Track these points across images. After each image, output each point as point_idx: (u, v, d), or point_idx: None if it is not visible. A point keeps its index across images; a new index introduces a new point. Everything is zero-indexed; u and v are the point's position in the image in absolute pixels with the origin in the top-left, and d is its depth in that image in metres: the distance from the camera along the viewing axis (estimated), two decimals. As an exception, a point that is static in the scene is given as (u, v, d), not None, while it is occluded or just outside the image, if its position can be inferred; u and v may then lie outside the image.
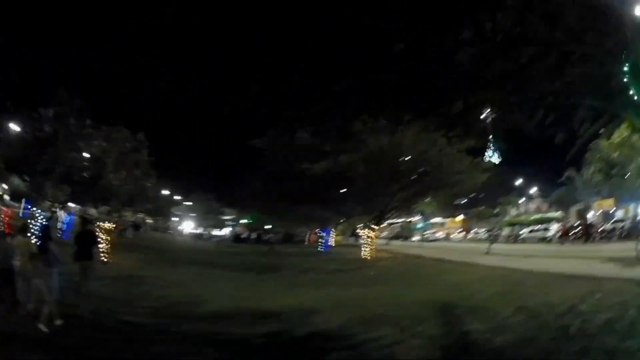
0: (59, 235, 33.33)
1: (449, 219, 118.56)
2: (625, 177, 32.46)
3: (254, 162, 55.57)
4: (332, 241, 73.99)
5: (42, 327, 12.35)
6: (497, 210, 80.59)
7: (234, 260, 43.98)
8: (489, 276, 25.47)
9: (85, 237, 16.75)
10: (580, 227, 58.79)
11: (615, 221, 58.30)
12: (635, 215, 48.03)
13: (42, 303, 12.86)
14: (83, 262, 16.02)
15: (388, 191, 47.73)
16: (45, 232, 15.86)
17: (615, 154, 30.19)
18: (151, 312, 16.19)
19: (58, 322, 12.82)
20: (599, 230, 55.61)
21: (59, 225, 37.62)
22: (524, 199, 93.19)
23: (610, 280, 19.03)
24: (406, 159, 44.08)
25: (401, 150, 43.24)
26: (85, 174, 31.40)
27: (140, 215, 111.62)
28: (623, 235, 48.41)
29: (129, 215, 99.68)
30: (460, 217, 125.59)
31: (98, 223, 32.48)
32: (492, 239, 52.55)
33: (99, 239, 18.95)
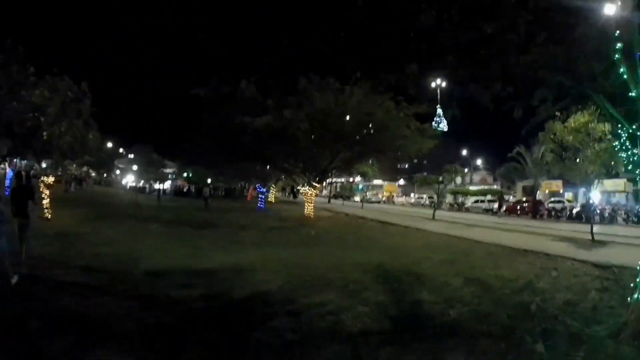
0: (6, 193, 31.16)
1: (387, 182, 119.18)
2: (577, 161, 32.23)
3: (195, 115, 53.56)
4: (271, 197, 76.30)
5: None
6: (441, 177, 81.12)
7: (173, 215, 43.40)
8: (435, 243, 25.27)
9: (20, 193, 15.53)
10: (527, 203, 61.09)
11: (558, 201, 61.60)
12: (588, 200, 48.08)
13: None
14: (19, 220, 14.88)
15: (331, 150, 47.08)
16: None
17: (570, 138, 29.85)
18: (85, 273, 15.20)
19: (13, 280, 12.83)
20: (546, 208, 57.89)
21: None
22: (467, 169, 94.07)
23: (565, 259, 18.89)
24: (351, 118, 43.05)
25: (347, 109, 42.24)
26: (27, 125, 29.90)
27: (85, 169, 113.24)
28: (573, 216, 50.89)
29: (74, 169, 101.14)
30: (400, 182, 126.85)
31: (41, 178, 31.80)
32: (436, 205, 53.50)
33: (35, 195, 16.27)
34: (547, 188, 71.23)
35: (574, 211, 52.60)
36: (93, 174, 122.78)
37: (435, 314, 11.18)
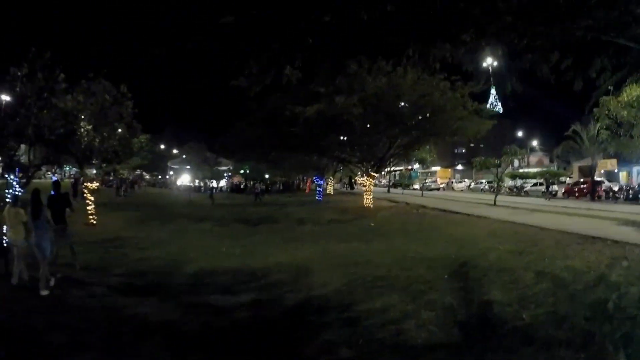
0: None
1: (440, 168, 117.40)
2: (633, 138, 30.96)
3: (244, 107, 52.40)
4: (329, 189, 75.71)
5: (43, 292, 12.63)
6: (498, 161, 79.17)
7: (227, 212, 42.19)
8: (500, 231, 23.53)
9: (56, 201, 15.68)
10: (586, 185, 58.88)
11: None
12: None
13: (39, 268, 12.98)
14: (58, 227, 14.91)
15: (388, 136, 45.48)
16: (36, 197, 14.01)
17: (624, 113, 28.64)
18: (123, 282, 14.62)
19: (52, 282, 13.24)
20: (604, 189, 56.04)
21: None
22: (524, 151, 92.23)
23: (635, 246, 17.17)
24: (406, 102, 41.76)
25: (401, 92, 40.62)
26: (60, 131, 29.45)
27: (137, 172, 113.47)
28: (630, 197, 48.90)
29: (126, 173, 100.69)
30: (458, 167, 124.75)
31: (84, 184, 31.71)
32: (496, 190, 51.20)
33: (71, 202, 16.85)
34: (602, 167, 68.32)
35: (632, 189, 50.91)
36: (147, 177, 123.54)
37: (508, 318, 10.05)
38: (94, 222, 28.46)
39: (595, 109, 31.91)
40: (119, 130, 36.16)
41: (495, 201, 40.92)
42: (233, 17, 11.21)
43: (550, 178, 67.19)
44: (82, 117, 30.53)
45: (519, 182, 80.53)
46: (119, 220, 32.42)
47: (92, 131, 31.13)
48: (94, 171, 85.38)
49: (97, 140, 31.37)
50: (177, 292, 13.20)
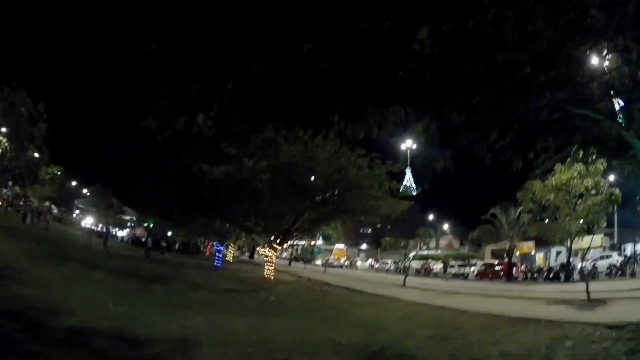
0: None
1: (336, 246, 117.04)
2: (558, 220, 30.68)
3: (152, 159, 50.43)
4: (229, 257, 73.73)
5: None
6: (402, 242, 79.07)
7: (123, 264, 41.16)
8: (415, 314, 22.10)
9: None
10: (501, 266, 59.76)
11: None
12: (568, 259, 47.09)
13: None
14: None
15: (295, 209, 43.19)
16: None
17: (551, 196, 28.35)
18: None
19: None
20: (521, 270, 57.45)
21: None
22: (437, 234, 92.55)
23: (572, 324, 16.61)
24: (320, 175, 39.55)
25: (315, 164, 38.55)
26: None
27: (47, 204, 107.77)
28: (551, 276, 49.10)
29: (35, 202, 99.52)
30: (363, 246, 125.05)
31: None
32: (405, 271, 51.27)
33: None
34: (519, 250, 69.32)
35: (552, 271, 51.20)
36: (55, 210, 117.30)
37: None
38: None
39: (518, 193, 32.00)
40: (29, 152, 33.84)
41: (404, 282, 40.30)
42: (154, 48, 10.20)
43: (449, 261, 70.89)
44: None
45: (427, 263, 79.58)
46: (15, 249, 30.84)
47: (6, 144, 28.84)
48: (4, 190, 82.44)
49: (8, 155, 29.14)
50: (54, 346, 11.26)
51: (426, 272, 71.20)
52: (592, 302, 23.83)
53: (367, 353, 13.72)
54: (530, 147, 13.28)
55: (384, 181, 40.29)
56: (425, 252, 79.70)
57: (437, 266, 75.04)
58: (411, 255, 58.56)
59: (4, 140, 29.97)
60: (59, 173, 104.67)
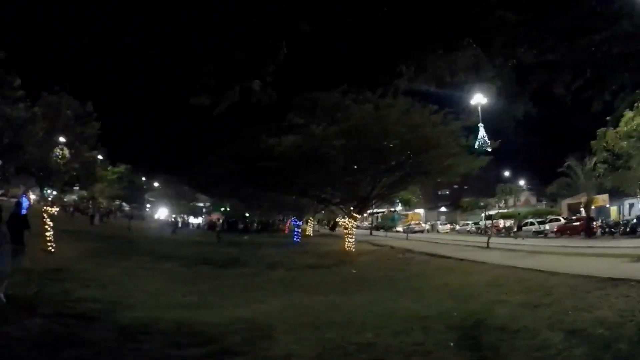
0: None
1: (411, 212, 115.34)
2: (631, 169, 29.20)
3: (218, 139, 48.92)
4: (309, 231, 72.50)
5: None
6: (481, 202, 76.50)
7: (197, 250, 40.39)
8: (503, 278, 20.38)
9: (16, 221, 15.99)
10: (580, 222, 56.76)
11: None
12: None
13: None
14: (15, 246, 14.73)
15: (372, 175, 42.19)
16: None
17: (624, 144, 26.83)
18: (45, 325, 11.90)
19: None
20: (599, 225, 54.42)
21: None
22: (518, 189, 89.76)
23: None
24: (394, 135, 37.66)
25: (389, 124, 36.83)
26: (5, 141, 26.95)
27: (116, 202, 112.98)
28: (628, 231, 46.81)
29: (105, 203, 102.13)
30: (442, 209, 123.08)
31: (44, 207, 29.73)
32: (488, 232, 49.51)
33: (29, 224, 16.89)
34: (594, 203, 66.90)
35: (628, 224, 48.79)
36: (127, 208, 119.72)
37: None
38: (52, 249, 26.64)
39: (592, 142, 30.32)
40: (82, 152, 33.40)
41: (488, 243, 37.71)
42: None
43: (522, 218, 67.36)
44: (36, 130, 27.84)
45: (508, 222, 77.12)
46: (79, 250, 30.32)
47: (48, 148, 28.39)
48: (74, 197, 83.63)
49: (55, 158, 28.69)
50: (99, 349, 10.20)
51: (507, 231, 67.46)
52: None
53: (460, 327, 12.46)
54: (606, 85, 12.25)
55: (460, 137, 38.60)
56: (505, 210, 78.20)
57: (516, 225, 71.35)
58: (492, 213, 56.52)
59: (58, 147, 29.69)
60: (124, 171, 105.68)
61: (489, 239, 39.18)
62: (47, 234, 26.99)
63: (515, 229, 61.02)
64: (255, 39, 10.42)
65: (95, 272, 22.11)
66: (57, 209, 33.29)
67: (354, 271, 27.87)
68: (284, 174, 41.87)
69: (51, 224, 27.71)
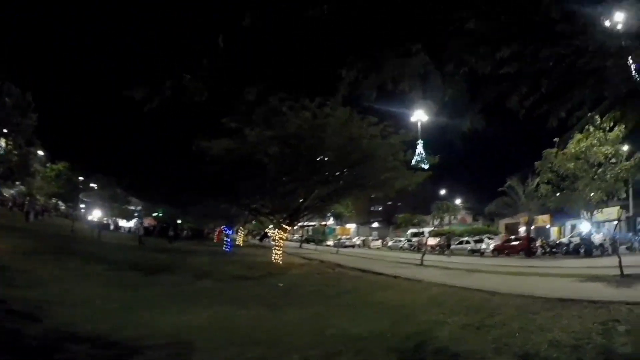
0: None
1: (340, 226, 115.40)
2: (578, 189, 29.43)
3: (155, 141, 47.38)
4: (239, 241, 73.53)
5: None
6: (415, 219, 77.16)
7: (125, 255, 39.19)
8: (442, 297, 19.98)
9: None
10: (519, 241, 58.39)
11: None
12: (589, 232, 46.82)
13: None
14: None
15: (304, 186, 40.71)
16: None
17: (571, 165, 27.16)
18: None
19: None
20: (539, 245, 55.66)
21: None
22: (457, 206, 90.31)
23: (617, 304, 15.35)
24: (331, 146, 36.65)
25: (326, 134, 35.58)
26: None
27: (53, 201, 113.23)
28: (570, 251, 48.45)
29: (42, 200, 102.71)
30: (374, 224, 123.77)
31: None
32: (422, 249, 49.95)
33: None
34: (534, 223, 67.84)
35: (571, 245, 49.93)
36: (63, 207, 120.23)
37: None
38: None
39: (537, 162, 30.75)
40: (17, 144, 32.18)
41: (422, 260, 38.04)
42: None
43: (451, 237, 69.22)
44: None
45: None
46: (12, 247, 29.89)
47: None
48: (12, 191, 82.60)
49: None
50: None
51: (441, 249, 68.02)
52: (626, 278, 22.73)
53: (397, 348, 11.65)
54: (564, 100, 11.92)
55: (398, 151, 38.14)
56: (441, 228, 78.46)
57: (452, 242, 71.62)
58: (426, 230, 56.88)
59: None
60: (63, 169, 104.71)
61: (422, 256, 39.40)
62: None
63: (445, 247, 62.54)
64: (189, 30, 9.74)
65: (27, 272, 21.36)
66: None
67: (281, 285, 26.93)
68: (215, 181, 41.00)
69: None
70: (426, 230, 72.24)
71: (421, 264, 36.74)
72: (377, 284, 25.60)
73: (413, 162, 37.18)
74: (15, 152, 30.57)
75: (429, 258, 43.05)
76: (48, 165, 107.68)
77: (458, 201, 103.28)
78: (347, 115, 34.23)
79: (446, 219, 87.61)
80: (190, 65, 10.00)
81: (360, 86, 10.76)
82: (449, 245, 63.57)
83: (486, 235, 70.33)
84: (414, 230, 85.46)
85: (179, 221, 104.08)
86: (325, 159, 38.02)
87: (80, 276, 23.71)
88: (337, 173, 39.70)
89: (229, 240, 62.49)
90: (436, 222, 74.05)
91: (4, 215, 59.77)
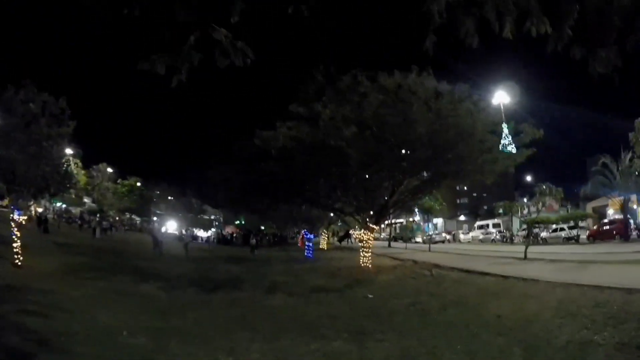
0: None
1: (406, 220, 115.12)
2: None
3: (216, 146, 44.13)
4: (323, 244, 70.09)
5: None
6: (500, 210, 72.93)
7: (192, 269, 36.57)
8: (570, 302, 15.31)
9: None
10: (613, 225, 54.46)
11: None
12: None
13: None
14: None
15: (392, 177, 35.73)
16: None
17: None
18: None
19: None
20: (633, 228, 52.41)
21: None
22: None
23: None
24: (421, 124, 30.37)
25: (413, 110, 29.89)
26: None
27: (127, 216, 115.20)
28: None
29: (114, 214, 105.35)
30: (461, 217, 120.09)
31: (11, 216, 28.51)
32: (528, 239, 46.89)
33: None
34: (613, 206, 63.83)
35: None
36: (138, 220, 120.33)
37: None
38: (19, 263, 25.16)
39: (631, 134, 26.49)
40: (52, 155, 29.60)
41: (526, 254, 32.52)
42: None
43: (532, 224, 64.21)
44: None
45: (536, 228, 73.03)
46: (58, 265, 28.02)
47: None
48: (80, 209, 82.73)
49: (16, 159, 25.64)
50: None
51: (535, 238, 62.92)
52: None
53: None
54: None
55: (498, 124, 31.54)
56: (536, 216, 74.22)
57: (545, 231, 68.32)
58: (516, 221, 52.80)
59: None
60: (135, 183, 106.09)
61: (526, 249, 33.57)
62: (14, 245, 25.40)
63: (532, 236, 58.08)
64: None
65: (57, 294, 19.14)
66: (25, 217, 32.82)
67: (370, 296, 22.26)
68: (287, 178, 36.37)
69: (18, 234, 26.05)
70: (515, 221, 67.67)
71: (525, 258, 31.83)
72: (486, 289, 20.64)
73: (500, 147, 31.94)
74: (51, 164, 28.40)
75: (522, 249, 38.26)
76: (119, 181, 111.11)
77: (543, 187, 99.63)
78: (434, 87, 29.84)
79: (533, 207, 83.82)
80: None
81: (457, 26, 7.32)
82: (530, 234, 58.92)
83: (578, 220, 66.47)
84: (495, 220, 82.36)
85: (262, 227, 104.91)
86: (415, 138, 31.97)
87: (119, 298, 20.93)
88: (428, 157, 33.37)
89: (310, 245, 57.94)
90: (542, 208, 70.05)
91: (71, 234, 58.82)
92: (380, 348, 12.34)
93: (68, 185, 51.83)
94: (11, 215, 28.41)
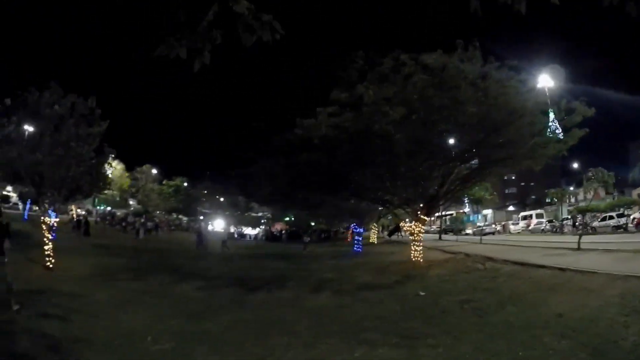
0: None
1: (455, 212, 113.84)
2: None
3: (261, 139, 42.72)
4: (372, 238, 69.49)
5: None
6: (552, 198, 71.60)
7: (235, 267, 36.69)
8: (633, 297, 13.70)
9: None
10: None
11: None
12: None
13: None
14: None
15: (441, 164, 33.55)
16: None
17: None
18: None
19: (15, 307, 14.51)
20: None
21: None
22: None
23: None
24: (471, 104, 28.63)
25: (460, 90, 28.15)
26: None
27: (174, 216, 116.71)
28: None
29: (160, 215, 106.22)
30: (510, 208, 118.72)
31: (42, 218, 28.01)
32: (582, 230, 44.46)
33: (10, 233, 16.98)
34: None
35: None
36: (184, 220, 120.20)
37: None
38: (50, 265, 25.20)
39: None
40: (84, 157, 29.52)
41: (579, 244, 30.34)
42: None
43: (578, 212, 64.38)
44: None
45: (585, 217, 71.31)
46: (91, 267, 28.27)
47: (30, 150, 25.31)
48: (124, 211, 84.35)
49: (43, 162, 25.55)
50: None
51: (584, 227, 62.47)
52: None
53: None
54: None
55: (550, 106, 30.49)
56: (585, 205, 73.56)
57: (595, 220, 63.92)
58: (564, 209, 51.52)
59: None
60: (181, 183, 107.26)
61: (580, 239, 31.58)
62: (46, 247, 25.49)
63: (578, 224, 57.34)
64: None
65: (83, 297, 19.16)
66: (57, 220, 33.70)
67: (422, 293, 20.94)
68: (331, 169, 35.26)
69: (49, 236, 26.20)
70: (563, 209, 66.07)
71: (578, 248, 29.63)
72: (543, 283, 19.01)
73: (548, 132, 30.39)
74: (86, 165, 28.14)
75: (575, 239, 36.76)
76: (164, 182, 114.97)
77: (589, 174, 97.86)
78: (481, 63, 28.57)
79: (580, 195, 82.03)
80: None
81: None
82: (574, 224, 59.42)
83: (626, 208, 65.65)
84: (538, 211, 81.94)
85: (312, 223, 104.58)
86: (465, 122, 30.51)
87: (150, 300, 20.48)
88: (479, 141, 31.91)
89: (359, 239, 57.91)
90: (581, 197, 68.75)
91: (113, 236, 60.13)
92: (433, 355, 11.20)
93: (102, 186, 51.63)
94: (41, 217, 27.99)
